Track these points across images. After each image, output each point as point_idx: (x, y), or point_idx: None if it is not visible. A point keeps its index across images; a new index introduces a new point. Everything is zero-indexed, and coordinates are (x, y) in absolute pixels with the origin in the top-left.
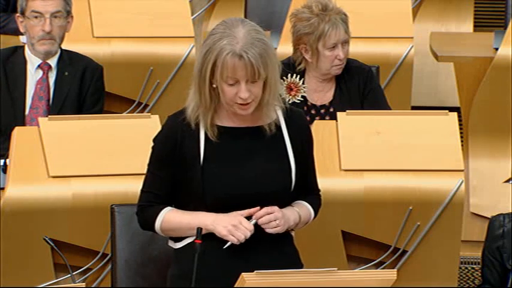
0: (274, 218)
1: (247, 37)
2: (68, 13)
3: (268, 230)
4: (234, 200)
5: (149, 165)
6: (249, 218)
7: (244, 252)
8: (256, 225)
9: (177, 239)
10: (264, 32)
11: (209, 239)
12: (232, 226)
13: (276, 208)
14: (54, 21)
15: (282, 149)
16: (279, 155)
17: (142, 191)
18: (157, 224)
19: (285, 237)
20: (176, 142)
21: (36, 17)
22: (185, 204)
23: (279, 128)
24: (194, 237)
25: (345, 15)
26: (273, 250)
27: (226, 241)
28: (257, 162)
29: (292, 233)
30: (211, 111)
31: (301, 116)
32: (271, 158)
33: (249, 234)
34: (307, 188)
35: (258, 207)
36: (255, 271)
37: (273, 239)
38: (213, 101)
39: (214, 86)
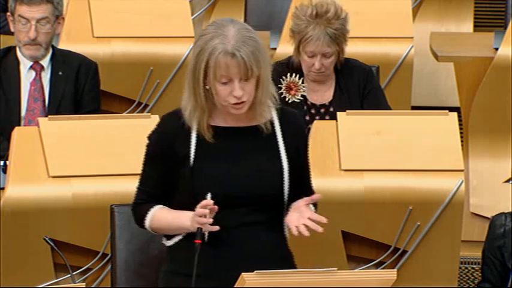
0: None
1: (238, 36)
2: (57, 17)
3: (295, 232)
4: (224, 199)
5: (144, 163)
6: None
7: (240, 254)
8: (250, 226)
9: (169, 236)
10: (254, 31)
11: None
12: (194, 215)
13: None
14: (40, 28)
15: (274, 149)
16: (272, 156)
17: (137, 187)
18: (147, 222)
19: (280, 240)
20: (169, 141)
21: (22, 23)
22: (178, 203)
23: (273, 128)
24: (183, 235)
25: (336, 29)
26: (268, 253)
27: (221, 240)
28: (249, 162)
29: (287, 235)
30: (207, 113)
31: (295, 116)
32: (263, 159)
33: (206, 211)
34: (303, 189)
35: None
36: (255, 271)
37: (268, 242)
38: (208, 102)
39: (207, 87)
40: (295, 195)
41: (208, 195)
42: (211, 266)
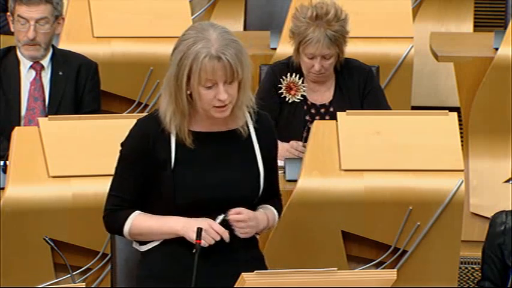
0: (247, 226)
1: (220, 39)
2: (57, 17)
3: (240, 235)
4: (204, 204)
5: (117, 168)
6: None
7: (212, 255)
8: (230, 229)
9: (143, 242)
10: (233, 33)
11: (178, 242)
12: (203, 231)
13: (252, 216)
14: (39, 28)
15: (251, 153)
16: (249, 160)
17: (110, 194)
18: (126, 229)
19: (251, 241)
20: (147, 146)
21: (21, 23)
22: (154, 207)
23: (248, 131)
24: (160, 241)
25: (336, 31)
26: (240, 254)
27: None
28: (227, 166)
29: (257, 237)
30: (187, 118)
31: (268, 119)
32: (241, 162)
33: (218, 237)
34: (271, 191)
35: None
36: (255, 271)
37: (240, 243)
38: (189, 107)
39: (188, 92)
40: (264, 197)
41: (220, 217)
42: (186, 270)
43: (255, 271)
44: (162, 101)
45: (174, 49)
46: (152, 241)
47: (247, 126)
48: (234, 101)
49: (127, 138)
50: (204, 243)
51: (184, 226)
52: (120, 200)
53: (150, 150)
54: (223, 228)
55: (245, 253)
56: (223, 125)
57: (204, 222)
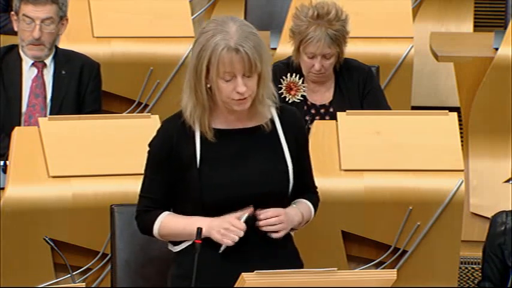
0: (279, 222)
1: (240, 31)
2: (61, 18)
3: (273, 235)
4: (232, 201)
5: (146, 170)
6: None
7: (244, 253)
8: (255, 225)
9: (176, 243)
10: (254, 27)
11: (208, 242)
12: (224, 229)
13: (281, 211)
14: (44, 28)
15: (278, 148)
16: (276, 155)
17: (140, 196)
18: (156, 229)
19: (285, 237)
20: (172, 146)
21: (27, 22)
22: (184, 207)
23: (274, 127)
24: (193, 240)
25: (337, 31)
26: (272, 250)
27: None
28: (254, 163)
29: (292, 233)
30: (208, 112)
31: (294, 114)
32: (267, 158)
33: (241, 233)
34: (304, 186)
35: (251, 209)
36: (255, 271)
37: (272, 239)
38: (209, 101)
39: (208, 86)
40: (298, 192)
41: (244, 216)
42: (217, 268)
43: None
44: (183, 95)
45: (195, 42)
46: (183, 242)
47: (272, 122)
48: (254, 95)
49: (153, 139)
50: (227, 241)
51: (208, 227)
52: (150, 201)
53: (175, 150)
54: (243, 225)
55: (282, 251)
56: (247, 121)
57: (224, 222)
